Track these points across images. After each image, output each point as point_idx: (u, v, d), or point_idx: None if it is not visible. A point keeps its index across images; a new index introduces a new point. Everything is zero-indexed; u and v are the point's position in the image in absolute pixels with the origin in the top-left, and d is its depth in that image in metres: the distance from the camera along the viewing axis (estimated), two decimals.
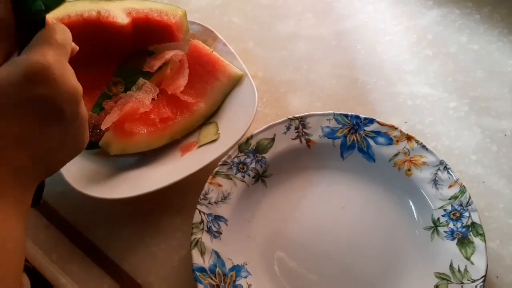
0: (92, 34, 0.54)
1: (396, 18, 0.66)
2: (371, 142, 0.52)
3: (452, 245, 0.46)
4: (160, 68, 0.57)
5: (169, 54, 0.57)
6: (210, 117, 0.56)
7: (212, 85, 0.56)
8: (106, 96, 0.55)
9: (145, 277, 0.49)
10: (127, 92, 0.55)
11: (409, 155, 0.51)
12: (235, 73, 0.56)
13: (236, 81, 0.56)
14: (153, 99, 0.55)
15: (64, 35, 0.35)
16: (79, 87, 0.34)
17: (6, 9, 0.32)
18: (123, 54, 0.58)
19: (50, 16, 0.52)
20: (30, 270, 0.50)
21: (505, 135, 0.55)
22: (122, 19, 0.55)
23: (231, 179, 0.51)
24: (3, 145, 0.31)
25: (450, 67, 0.61)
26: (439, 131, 0.56)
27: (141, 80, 0.55)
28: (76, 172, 0.50)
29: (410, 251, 0.48)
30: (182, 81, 0.56)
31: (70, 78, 0.33)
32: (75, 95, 0.33)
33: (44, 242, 0.52)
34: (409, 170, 0.50)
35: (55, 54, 0.32)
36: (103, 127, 0.51)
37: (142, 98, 0.54)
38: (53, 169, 0.35)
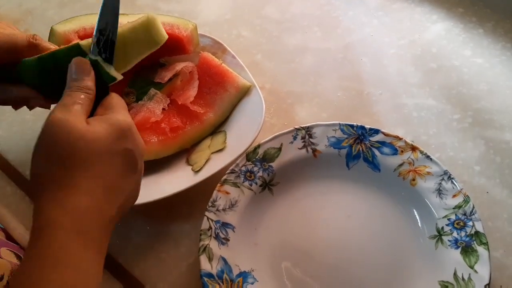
0: None
1: (401, 32, 0.68)
2: (376, 152, 0.53)
3: (456, 253, 0.47)
4: (171, 79, 0.58)
5: (179, 66, 0.59)
6: (219, 127, 0.58)
7: (221, 95, 0.58)
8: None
9: (154, 283, 0.50)
10: (139, 102, 0.57)
11: (413, 165, 0.52)
12: (244, 84, 0.58)
13: (244, 92, 0.58)
14: (163, 109, 0.57)
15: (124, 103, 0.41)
16: (143, 142, 0.39)
17: (92, 80, 0.39)
18: (135, 66, 0.60)
19: (67, 29, 0.55)
20: None
21: (508, 146, 0.56)
22: None
23: (238, 187, 0.52)
24: (99, 195, 0.34)
25: (454, 80, 0.62)
26: (444, 142, 0.57)
27: (152, 91, 0.57)
28: None
29: (414, 260, 0.48)
30: (192, 91, 0.57)
31: (139, 134, 0.39)
32: (144, 151, 0.39)
33: None
34: (413, 180, 0.51)
35: (129, 115, 0.39)
36: None
37: (153, 108, 0.56)
38: (126, 214, 0.38)
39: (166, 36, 0.46)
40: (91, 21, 0.56)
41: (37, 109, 0.64)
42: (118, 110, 0.38)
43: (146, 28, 0.45)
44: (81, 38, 0.54)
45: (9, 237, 0.53)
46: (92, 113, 0.38)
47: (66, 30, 0.54)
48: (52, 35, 0.54)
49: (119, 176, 0.36)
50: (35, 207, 0.33)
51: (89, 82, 0.38)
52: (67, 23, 0.55)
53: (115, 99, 0.39)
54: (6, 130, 0.63)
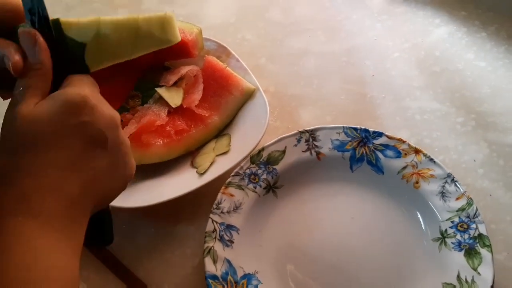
0: None
1: (404, 36, 0.68)
2: (380, 155, 0.54)
3: (460, 256, 0.47)
4: (176, 82, 0.59)
5: (184, 70, 0.59)
6: (223, 130, 0.58)
7: (225, 99, 0.58)
8: (124, 109, 0.58)
9: (159, 284, 0.50)
10: (144, 105, 0.57)
11: (417, 168, 0.52)
12: (248, 88, 0.58)
13: (248, 95, 0.58)
14: (169, 112, 0.57)
15: (92, 79, 0.37)
16: (116, 114, 0.36)
17: (47, 55, 0.35)
18: (141, 69, 0.60)
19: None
20: None
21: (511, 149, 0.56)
22: None
23: (243, 189, 0.52)
24: (50, 175, 0.32)
25: (457, 83, 0.62)
26: (447, 145, 0.57)
27: (157, 94, 0.58)
28: None
29: (418, 262, 0.49)
30: (197, 95, 0.58)
31: (106, 106, 0.36)
32: (113, 120, 0.35)
33: None
34: (417, 182, 0.52)
35: (89, 88, 0.35)
36: None
37: (158, 111, 0.57)
38: (104, 199, 0.36)
39: (179, 38, 0.45)
40: None
41: None
42: (73, 84, 0.35)
43: (162, 24, 0.43)
44: None
45: None
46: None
47: None
48: None
49: (78, 152, 0.33)
50: None
51: (36, 55, 0.34)
52: None
53: (78, 76, 0.36)
54: None
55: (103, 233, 0.41)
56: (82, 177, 0.33)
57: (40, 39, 0.35)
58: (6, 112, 0.34)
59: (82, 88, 0.34)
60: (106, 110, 0.35)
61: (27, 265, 0.29)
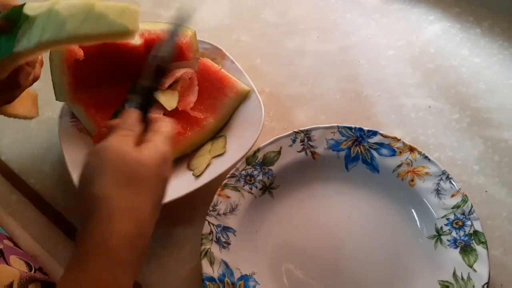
0: (108, 54, 0.57)
1: (399, 33, 0.68)
2: (375, 153, 0.54)
3: (455, 253, 0.47)
4: (171, 85, 0.59)
5: (179, 72, 0.59)
6: (219, 132, 0.59)
7: (220, 101, 0.59)
8: (120, 113, 0.58)
9: (156, 287, 0.51)
10: None
11: (412, 166, 0.52)
12: (243, 89, 0.58)
13: (243, 97, 0.59)
14: (164, 115, 0.57)
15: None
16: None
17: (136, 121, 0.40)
18: (136, 73, 0.60)
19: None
20: (49, 284, 0.52)
21: (507, 145, 0.56)
22: (136, 40, 0.58)
23: (239, 191, 0.53)
24: (145, 225, 0.36)
25: (452, 80, 0.62)
26: (442, 142, 0.57)
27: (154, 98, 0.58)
28: None
29: (414, 260, 0.49)
30: (192, 97, 0.58)
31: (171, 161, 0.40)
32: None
33: (61, 254, 0.54)
34: (412, 180, 0.52)
35: (168, 145, 0.39)
36: None
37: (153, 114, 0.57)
38: None
39: (138, 28, 0.41)
40: None
41: (41, 118, 0.65)
42: (164, 140, 0.39)
43: (122, 11, 0.40)
44: (82, 47, 0.55)
45: (16, 245, 0.54)
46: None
47: None
48: None
49: (158, 201, 0.38)
50: (87, 227, 0.34)
51: (135, 125, 0.40)
52: None
53: (162, 124, 0.41)
54: (10, 138, 0.64)
55: None
56: (152, 225, 0.37)
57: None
58: (107, 142, 0.37)
59: (169, 146, 0.39)
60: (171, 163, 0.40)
61: None
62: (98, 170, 0.36)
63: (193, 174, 0.54)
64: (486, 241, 0.46)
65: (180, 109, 0.58)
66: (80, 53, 0.55)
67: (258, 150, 0.54)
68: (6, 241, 0.52)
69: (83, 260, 0.33)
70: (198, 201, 0.54)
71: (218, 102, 0.59)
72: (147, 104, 0.42)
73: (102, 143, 0.37)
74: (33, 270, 0.48)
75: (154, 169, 0.37)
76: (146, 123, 0.41)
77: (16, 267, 0.45)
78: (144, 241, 0.36)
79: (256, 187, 0.53)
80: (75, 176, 0.53)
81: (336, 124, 0.55)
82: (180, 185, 0.53)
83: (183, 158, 0.57)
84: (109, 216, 0.34)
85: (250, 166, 0.54)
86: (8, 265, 0.45)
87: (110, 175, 0.35)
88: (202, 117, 0.58)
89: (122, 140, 0.37)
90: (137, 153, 0.37)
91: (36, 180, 0.60)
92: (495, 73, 0.62)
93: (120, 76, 0.59)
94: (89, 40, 0.41)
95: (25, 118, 0.54)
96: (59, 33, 0.39)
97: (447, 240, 0.48)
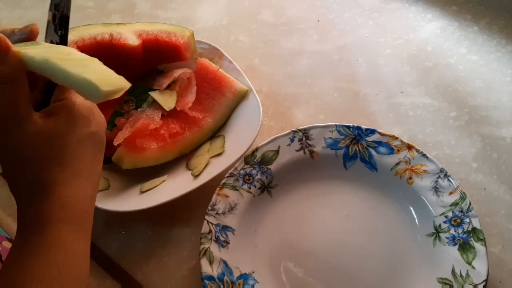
0: (105, 55, 0.56)
1: (396, 32, 0.68)
2: (373, 152, 0.54)
3: (454, 250, 0.47)
4: (169, 86, 0.59)
5: (177, 73, 0.60)
6: (217, 131, 0.59)
7: (218, 100, 0.59)
8: (118, 113, 0.58)
9: (157, 286, 0.51)
10: (138, 109, 0.58)
11: (410, 164, 0.52)
12: (241, 89, 0.59)
13: (241, 97, 0.59)
14: (162, 115, 0.57)
15: None
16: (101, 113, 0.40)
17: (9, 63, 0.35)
18: (134, 74, 0.61)
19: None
20: None
21: (505, 142, 0.56)
22: (133, 41, 0.58)
23: (237, 190, 0.53)
24: (78, 184, 0.36)
25: (450, 78, 0.63)
26: (440, 140, 0.57)
27: (151, 98, 0.58)
28: None
29: (413, 257, 0.49)
30: (190, 97, 0.58)
31: (98, 110, 0.40)
32: (105, 122, 0.41)
33: None
34: (410, 178, 0.52)
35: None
36: (115, 143, 0.54)
37: (152, 114, 0.57)
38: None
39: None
40: (90, 31, 0.57)
41: None
42: (76, 94, 0.38)
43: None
44: (80, 48, 0.55)
45: None
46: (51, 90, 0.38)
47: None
48: None
49: (90, 158, 0.38)
50: (20, 209, 0.36)
51: (5, 67, 0.34)
52: None
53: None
54: None
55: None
56: (94, 180, 0.38)
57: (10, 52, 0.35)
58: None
59: (79, 98, 0.38)
60: (100, 114, 0.40)
61: (61, 264, 0.34)
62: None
63: (191, 174, 0.54)
64: (484, 238, 0.46)
65: (178, 109, 0.58)
66: None
67: (257, 149, 0.55)
68: (5, 243, 0.52)
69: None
70: (197, 201, 0.54)
71: (216, 102, 0.59)
72: None
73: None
74: None
75: (67, 136, 0.36)
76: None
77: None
78: (77, 204, 0.36)
79: (255, 186, 0.54)
80: None
81: (334, 123, 0.55)
82: (179, 185, 0.53)
83: (182, 158, 0.57)
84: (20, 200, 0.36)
85: (248, 166, 0.54)
86: None
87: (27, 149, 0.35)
88: (200, 117, 0.58)
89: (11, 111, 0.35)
90: (38, 124, 0.35)
91: None
92: (493, 71, 0.62)
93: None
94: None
95: None
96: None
97: (446, 237, 0.48)
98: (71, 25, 0.60)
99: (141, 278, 0.51)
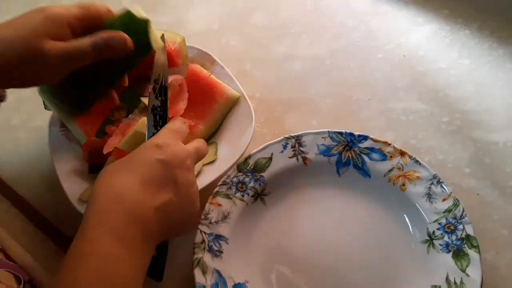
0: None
1: (388, 36, 0.68)
2: (366, 158, 0.54)
3: (448, 257, 0.47)
4: None
5: (168, 79, 0.59)
6: (209, 138, 0.58)
7: (210, 107, 0.58)
8: (108, 121, 0.58)
9: None
10: (129, 116, 0.57)
11: (403, 170, 0.52)
12: (232, 95, 0.58)
13: (233, 103, 0.58)
14: None
15: (180, 125, 0.46)
16: (190, 155, 0.43)
17: None
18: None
19: None
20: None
21: (497, 147, 0.56)
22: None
23: (230, 198, 0.52)
24: (129, 199, 0.38)
25: (442, 82, 0.63)
26: (433, 146, 0.57)
27: (142, 104, 0.57)
28: (78, 193, 0.52)
29: (406, 265, 0.49)
30: (182, 104, 0.58)
31: (180, 146, 0.43)
32: (186, 163, 0.42)
33: (50, 263, 0.54)
34: (403, 185, 0.52)
35: (171, 135, 0.44)
36: (104, 151, 0.53)
37: (143, 121, 0.56)
38: (170, 231, 0.41)
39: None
40: None
41: (30, 128, 0.64)
42: (161, 131, 0.45)
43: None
44: None
45: (7, 256, 0.53)
46: None
47: None
48: None
49: (151, 181, 0.39)
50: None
51: None
52: None
53: (171, 122, 0.46)
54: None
55: (154, 267, 0.45)
56: (154, 203, 0.39)
57: None
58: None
59: (165, 134, 0.44)
60: (181, 152, 0.42)
61: (100, 270, 0.34)
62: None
63: None
64: (478, 245, 0.46)
65: (170, 116, 0.57)
66: None
67: (249, 156, 0.54)
68: None
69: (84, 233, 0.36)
70: None
71: (208, 109, 0.58)
72: (162, 119, 0.48)
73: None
74: (22, 284, 0.47)
75: (143, 152, 0.41)
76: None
77: (5, 283, 0.45)
78: (130, 215, 0.37)
79: (248, 194, 0.53)
80: (65, 184, 0.53)
81: (326, 130, 0.55)
82: None
83: None
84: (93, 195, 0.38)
85: (241, 173, 0.54)
86: None
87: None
88: (192, 124, 0.57)
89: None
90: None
91: (26, 189, 0.60)
92: (485, 75, 0.62)
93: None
94: None
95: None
96: None
97: (440, 244, 0.48)
98: None
99: None
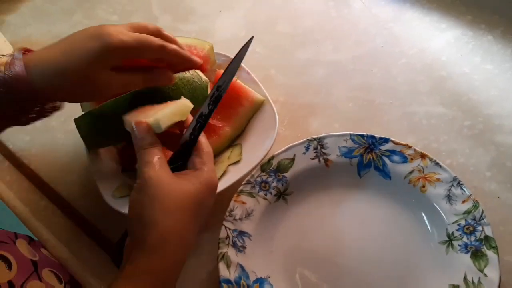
0: (132, 67, 0.60)
1: (411, 42, 0.69)
2: (387, 160, 0.55)
3: (466, 258, 0.48)
4: None
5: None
6: (235, 140, 0.61)
7: (236, 110, 0.61)
8: None
9: None
10: None
11: (423, 172, 0.53)
12: (257, 99, 0.61)
13: (258, 106, 0.61)
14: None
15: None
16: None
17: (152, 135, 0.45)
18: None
19: None
20: (77, 284, 0.55)
21: None
22: None
23: (254, 197, 0.55)
24: (189, 247, 0.40)
25: (464, 87, 0.63)
26: (454, 149, 0.58)
27: None
28: (111, 190, 0.56)
29: (425, 264, 0.50)
30: None
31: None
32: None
33: (86, 257, 0.57)
34: (423, 186, 0.53)
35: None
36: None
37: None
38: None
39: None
40: None
41: (67, 129, 0.69)
42: (210, 168, 0.44)
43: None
44: None
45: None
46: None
47: None
48: None
49: (195, 226, 0.41)
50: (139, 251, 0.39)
51: (151, 137, 0.44)
52: None
53: (208, 155, 0.45)
54: (38, 148, 0.68)
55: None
56: (189, 248, 0.41)
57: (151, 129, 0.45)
58: (147, 174, 0.41)
59: (215, 175, 0.44)
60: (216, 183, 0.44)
61: None
62: (147, 203, 0.40)
63: None
64: (496, 246, 0.47)
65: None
66: None
67: (273, 157, 0.56)
68: (44, 250, 0.55)
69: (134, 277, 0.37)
70: (216, 207, 0.55)
71: (234, 112, 0.61)
72: (200, 128, 0.46)
73: (144, 178, 0.41)
74: (62, 284, 0.50)
75: (199, 198, 0.41)
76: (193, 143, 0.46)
77: (48, 282, 0.48)
78: (182, 264, 0.40)
79: (271, 193, 0.55)
80: (99, 182, 0.56)
81: (348, 132, 0.57)
82: None
83: None
84: (160, 241, 0.38)
85: (265, 173, 0.56)
86: (41, 280, 0.48)
87: (158, 206, 0.39)
88: (220, 125, 0.60)
89: (155, 167, 0.42)
90: (180, 184, 0.41)
91: (63, 187, 0.64)
92: (508, 80, 0.63)
93: None
94: None
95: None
96: None
97: (458, 245, 0.49)
98: None
99: None
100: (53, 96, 0.46)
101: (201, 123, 0.46)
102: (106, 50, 0.43)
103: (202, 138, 0.46)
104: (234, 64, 0.48)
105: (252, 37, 0.51)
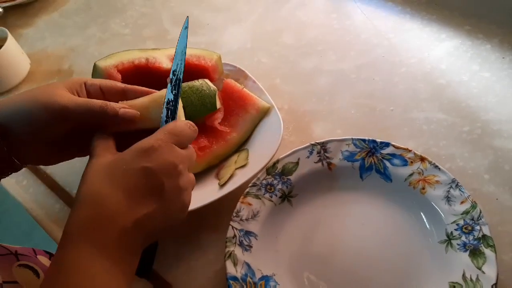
0: (142, 77, 0.63)
1: (411, 51, 0.72)
2: (388, 163, 0.57)
3: (465, 256, 0.49)
4: None
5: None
6: (242, 145, 0.64)
7: (243, 117, 0.64)
8: None
9: (185, 287, 0.55)
10: None
11: (423, 174, 0.55)
12: (263, 106, 0.63)
13: (264, 113, 0.64)
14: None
15: (182, 129, 0.43)
16: (180, 161, 0.40)
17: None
18: None
19: (108, 64, 0.63)
20: None
21: None
22: (166, 64, 0.64)
23: (260, 198, 0.57)
24: (108, 207, 0.37)
25: (463, 94, 0.66)
26: (453, 153, 0.60)
27: None
28: None
29: (426, 263, 0.51)
30: (220, 114, 0.64)
31: (173, 153, 0.40)
32: (175, 169, 0.40)
33: None
34: (423, 188, 0.55)
35: (167, 136, 0.41)
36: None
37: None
38: (154, 236, 0.40)
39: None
40: (128, 56, 0.64)
41: None
42: (156, 133, 0.41)
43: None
44: (120, 72, 0.62)
45: None
46: None
47: (107, 65, 0.62)
48: (95, 70, 0.62)
49: (136, 194, 0.38)
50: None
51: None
52: (107, 59, 0.63)
53: (167, 125, 0.43)
54: None
55: (140, 266, 0.44)
56: (135, 215, 0.38)
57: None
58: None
59: (159, 137, 0.40)
60: (171, 157, 0.40)
61: (83, 286, 0.34)
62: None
63: (218, 184, 0.59)
64: (494, 245, 0.49)
65: (208, 124, 0.63)
66: (118, 76, 0.62)
67: (278, 161, 0.59)
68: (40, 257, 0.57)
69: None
70: (223, 209, 0.59)
71: (241, 119, 0.64)
72: (172, 114, 0.45)
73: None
74: None
75: (131, 159, 0.39)
76: None
77: None
78: (109, 225, 0.37)
79: (276, 195, 0.58)
80: None
81: (350, 137, 0.59)
82: (206, 194, 0.58)
83: (211, 168, 0.62)
84: (76, 200, 0.38)
85: (270, 176, 0.58)
86: None
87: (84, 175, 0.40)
88: (228, 131, 0.63)
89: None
90: (114, 155, 0.40)
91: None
92: (505, 87, 0.65)
93: None
94: None
95: None
96: None
97: (457, 244, 0.51)
98: (111, 51, 0.67)
99: (171, 279, 0.56)
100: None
101: (171, 109, 0.45)
102: (68, 81, 0.46)
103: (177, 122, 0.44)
104: (180, 45, 0.48)
105: (187, 16, 0.50)
